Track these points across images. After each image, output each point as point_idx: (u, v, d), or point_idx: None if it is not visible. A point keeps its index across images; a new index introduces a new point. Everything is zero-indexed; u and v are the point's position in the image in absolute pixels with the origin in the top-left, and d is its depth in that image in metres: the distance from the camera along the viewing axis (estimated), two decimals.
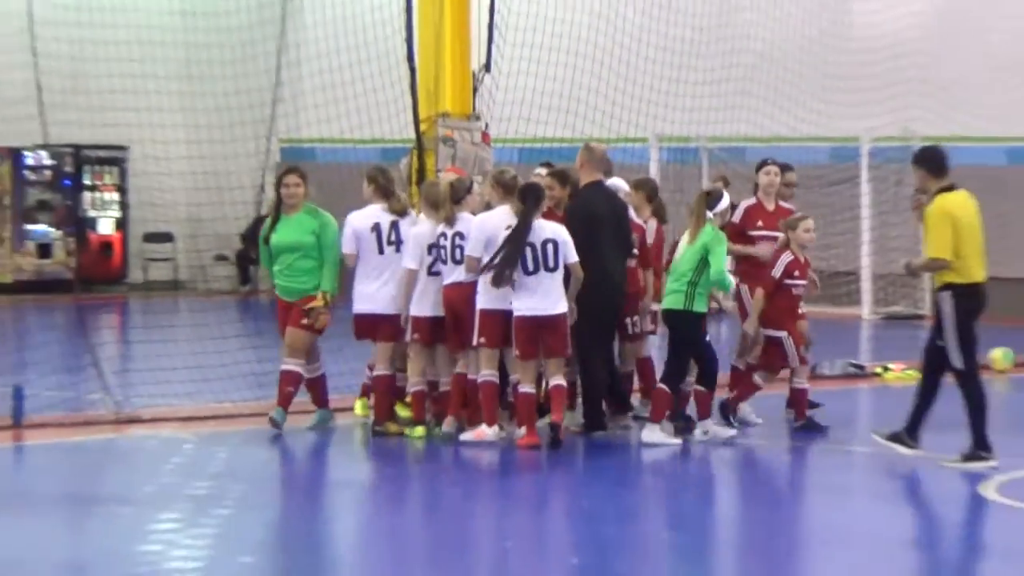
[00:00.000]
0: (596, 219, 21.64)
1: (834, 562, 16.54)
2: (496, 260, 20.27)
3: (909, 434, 20.63)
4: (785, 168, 24.04)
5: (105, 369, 23.78)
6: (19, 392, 22.40)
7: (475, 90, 25.67)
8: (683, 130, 36.98)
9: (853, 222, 36.02)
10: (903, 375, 27.66)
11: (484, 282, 20.67)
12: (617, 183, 22.97)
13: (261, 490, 20.30)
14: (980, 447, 20.39)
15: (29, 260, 42.19)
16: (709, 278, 21.45)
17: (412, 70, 25.24)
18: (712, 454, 21.96)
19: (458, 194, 21.41)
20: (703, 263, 21.41)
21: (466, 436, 21.26)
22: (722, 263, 21.60)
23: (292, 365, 21.58)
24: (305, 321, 21.21)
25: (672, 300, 21.81)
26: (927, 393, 20.71)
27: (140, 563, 15.69)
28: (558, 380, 20.81)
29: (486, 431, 21.05)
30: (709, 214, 21.57)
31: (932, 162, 20.87)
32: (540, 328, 20.56)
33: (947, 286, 20.39)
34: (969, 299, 20.36)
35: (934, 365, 20.72)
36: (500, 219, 20.67)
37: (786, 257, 22.65)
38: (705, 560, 16.67)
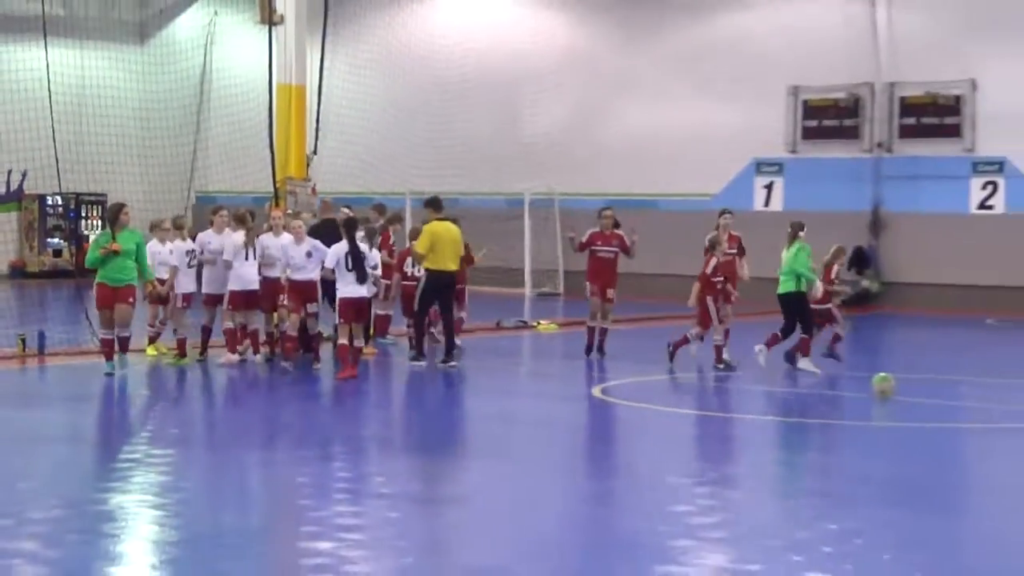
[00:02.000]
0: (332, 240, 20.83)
1: (487, 435, 16.72)
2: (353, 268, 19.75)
3: (448, 354, 21.18)
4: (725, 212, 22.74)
5: (92, 322, 23.41)
6: (42, 335, 22.16)
7: (308, 163, 25.68)
8: (425, 186, 36.80)
9: (519, 241, 35.94)
10: (548, 326, 27.83)
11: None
12: None
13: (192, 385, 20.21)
14: (448, 353, 21.21)
15: (48, 259, 41.63)
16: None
17: (272, 151, 25.21)
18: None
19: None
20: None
21: (222, 360, 21.11)
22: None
23: (126, 332, 19.40)
24: (132, 300, 19.24)
25: (786, 285, 20.91)
26: (446, 326, 21.43)
27: (128, 429, 15.65)
28: (360, 342, 20.21)
29: (233, 358, 21.10)
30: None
31: (432, 205, 21.94)
32: (357, 305, 20.12)
33: (427, 270, 21.32)
34: (436, 278, 21.20)
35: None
36: (342, 246, 20.00)
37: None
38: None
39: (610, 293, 22.47)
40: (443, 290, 21.33)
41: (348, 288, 19.92)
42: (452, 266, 21.35)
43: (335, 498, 12.21)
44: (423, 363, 21.35)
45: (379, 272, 20.89)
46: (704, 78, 35.43)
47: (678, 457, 15.08)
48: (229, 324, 21.16)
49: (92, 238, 20.37)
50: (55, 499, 12.07)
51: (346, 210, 22.96)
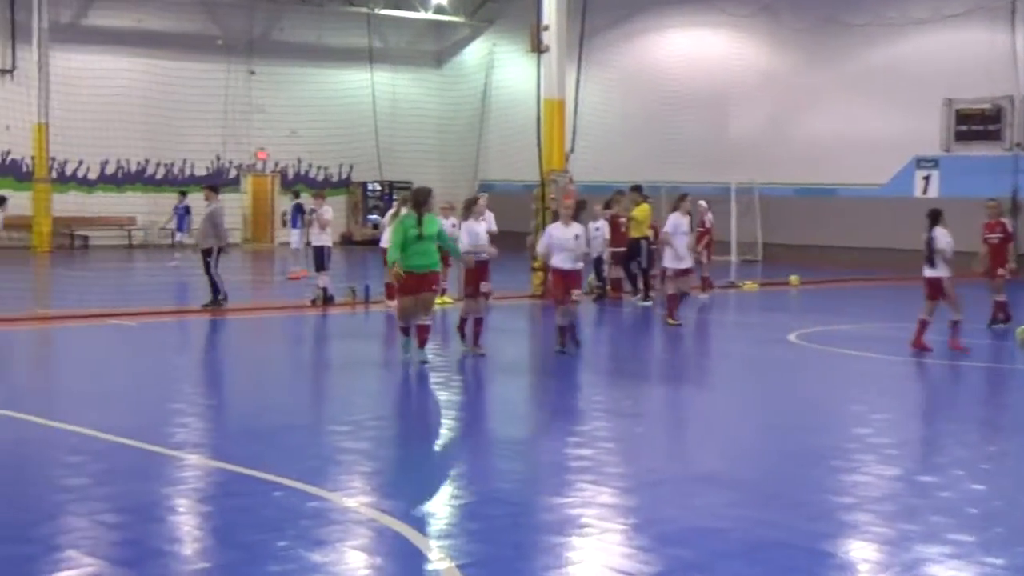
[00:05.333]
0: None
1: (687, 371, 16.25)
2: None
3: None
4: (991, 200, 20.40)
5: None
6: (367, 288, 22.26)
7: (566, 159, 25.51)
8: (652, 175, 36.10)
9: (727, 220, 35.08)
10: (751, 286, 26.97)
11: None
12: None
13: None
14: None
15: (368, 230, 41.71)
16: None
17: (539, 149, 25.12)
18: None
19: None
20: None
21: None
22: None
23: (428, 320, 14.78)
24: (435, 287, 15.20)
25: None
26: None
27: (432, 360, 15.68)
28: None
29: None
30: None
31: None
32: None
33: None
34: None
35: None
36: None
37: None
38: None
39: (1000, 271, 19.44)
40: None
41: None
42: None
43: (593, 415, 12.09)
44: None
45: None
46: (874, 92, 34.46)
47: (859, 390, 14.57)
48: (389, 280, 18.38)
49: (396, 221, 15.14)
50: (387, 408, 12.14)
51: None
